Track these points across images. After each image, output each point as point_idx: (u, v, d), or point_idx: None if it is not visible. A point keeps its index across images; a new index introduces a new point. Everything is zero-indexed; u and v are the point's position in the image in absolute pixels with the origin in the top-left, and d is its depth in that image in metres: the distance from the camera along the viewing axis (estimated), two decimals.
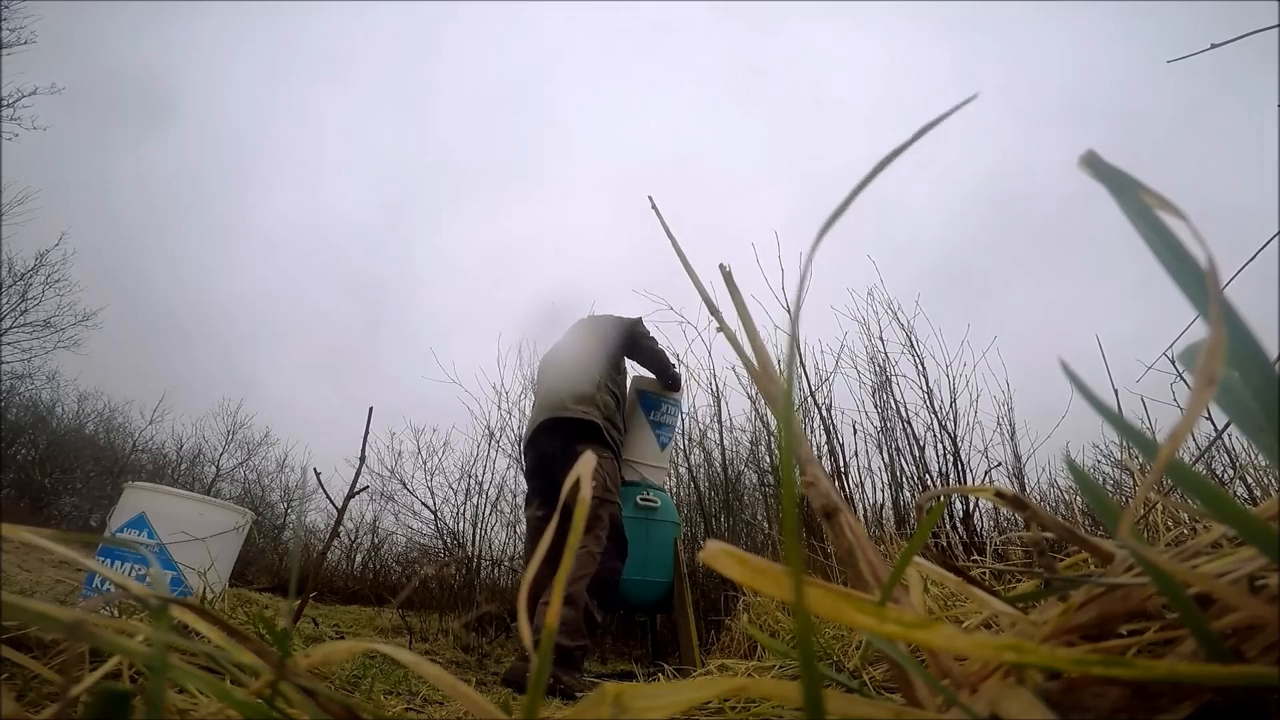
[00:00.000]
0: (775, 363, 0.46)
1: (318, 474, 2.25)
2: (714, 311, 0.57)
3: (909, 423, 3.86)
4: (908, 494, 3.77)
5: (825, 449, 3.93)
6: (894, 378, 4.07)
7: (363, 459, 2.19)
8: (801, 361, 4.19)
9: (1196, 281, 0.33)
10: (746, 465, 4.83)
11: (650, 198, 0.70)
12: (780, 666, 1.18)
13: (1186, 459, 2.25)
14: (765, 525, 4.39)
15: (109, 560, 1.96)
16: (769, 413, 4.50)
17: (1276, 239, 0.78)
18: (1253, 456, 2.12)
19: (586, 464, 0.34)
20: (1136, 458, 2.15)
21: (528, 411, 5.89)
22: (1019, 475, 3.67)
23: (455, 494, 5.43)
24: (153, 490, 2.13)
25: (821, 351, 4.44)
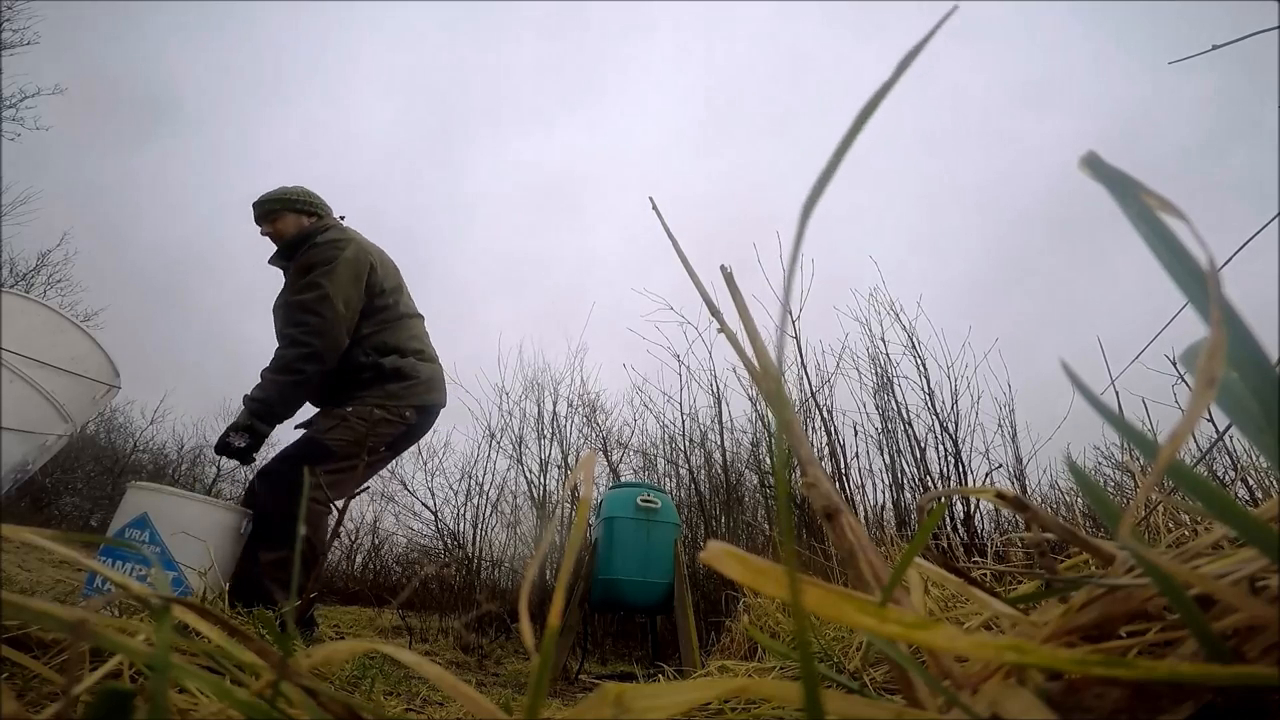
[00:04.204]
0: (776, 363, 0.46)
1: (319, 474, 2.25)
2: (714, 312, 0.57)
3: (910, 424, 3.86)
4: (909, 495, 3.77)
5: (826, 450, 3.93)
6: (895, 379, 4.07)
7: (363, 459, 2.19)
8: (803, 363, 4.19)
9: (1197, 282, 0.33)
10: (747, 467, 4.83)
11: (650, 198, 0.70)
12: (781, 668, 1.18)
13: (1188, 460, 2.25)
14: (766, 527, 4.39)
15: (110, 560, 1.95)
16: (770, 414, 4.49)
17: (1276, 232, 0.77)
18: (1254, 458, 2.12)
19: (588, 463, 0.34)
20: (1138, 459, 2.15)
21: (529, 411, 5.91)
22: (1020, 477, 3.67)
23: (455, 495, 5.44)
24: (155, 491, 2.12)
25: (823, 353, 4.45)
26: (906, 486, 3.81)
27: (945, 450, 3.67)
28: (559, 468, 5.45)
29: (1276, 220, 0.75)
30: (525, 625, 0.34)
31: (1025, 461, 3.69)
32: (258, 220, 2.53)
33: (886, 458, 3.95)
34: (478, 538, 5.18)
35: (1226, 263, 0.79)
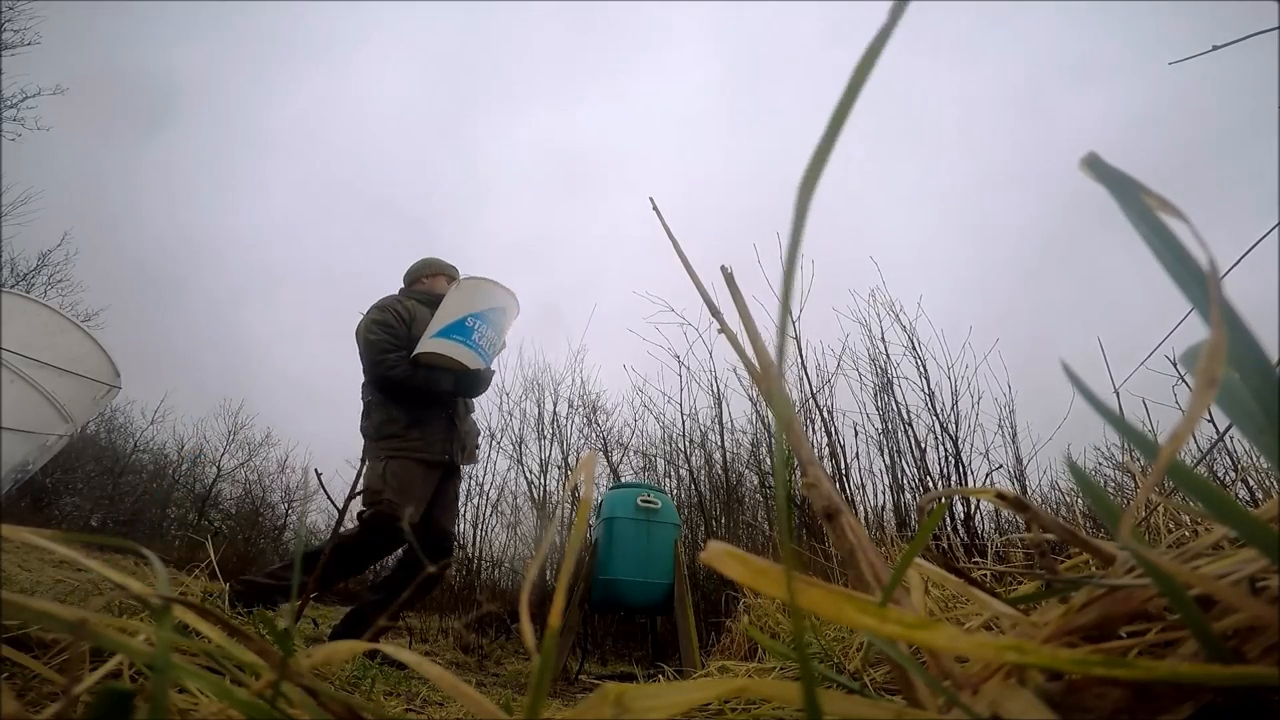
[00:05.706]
0: (776, 362, 0.46)
1: (319, 475, 2.25)
2: (715, 313, 0.57)
3: (910, 425, 3.86)
4: (909, 496, 3.77)
5: (826, 451, 3.93)
6: (896, 380, 4.07)
7: (363, 460, 2.19)
8: (803, 363, 4.18)
9: (1197, 283, 0.33)
10: (747, 467, 4.83)
11: (651, 199, 0.70)
12: (781, 668, 1.18)
13: (1188, 461, 2.25)
14: (766, 527, 4.39)
15: (480, 323, 2.44)
16: (770, 414, 4.49)
17: (1276, 235, 0.77)
18: (1254, 459, 2.12)
19: (588, 463, 0.34)
20: (1138, 460, 2.15)
21: (529, 412, 5.92)
22: (1020, 477, 3.67)
23: None
24: (508, 293, 2.59)
25: (823, 353, 4.44)
26: (906, 487, 3.81)
27: (945, 451, 3.66)
28: (559, 468, 5.46)
29: (1277, 225, 0.74)
30: (525, 625, 0.34)
31: (1025, 462, 3.69)
32: (432, 274, 2.87)
33: (886, 458, 3.96)
34: (478, 538, 5.18)
35: (1230, 270, 0.78)
